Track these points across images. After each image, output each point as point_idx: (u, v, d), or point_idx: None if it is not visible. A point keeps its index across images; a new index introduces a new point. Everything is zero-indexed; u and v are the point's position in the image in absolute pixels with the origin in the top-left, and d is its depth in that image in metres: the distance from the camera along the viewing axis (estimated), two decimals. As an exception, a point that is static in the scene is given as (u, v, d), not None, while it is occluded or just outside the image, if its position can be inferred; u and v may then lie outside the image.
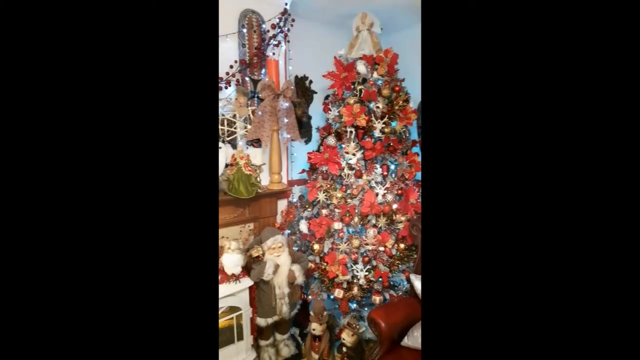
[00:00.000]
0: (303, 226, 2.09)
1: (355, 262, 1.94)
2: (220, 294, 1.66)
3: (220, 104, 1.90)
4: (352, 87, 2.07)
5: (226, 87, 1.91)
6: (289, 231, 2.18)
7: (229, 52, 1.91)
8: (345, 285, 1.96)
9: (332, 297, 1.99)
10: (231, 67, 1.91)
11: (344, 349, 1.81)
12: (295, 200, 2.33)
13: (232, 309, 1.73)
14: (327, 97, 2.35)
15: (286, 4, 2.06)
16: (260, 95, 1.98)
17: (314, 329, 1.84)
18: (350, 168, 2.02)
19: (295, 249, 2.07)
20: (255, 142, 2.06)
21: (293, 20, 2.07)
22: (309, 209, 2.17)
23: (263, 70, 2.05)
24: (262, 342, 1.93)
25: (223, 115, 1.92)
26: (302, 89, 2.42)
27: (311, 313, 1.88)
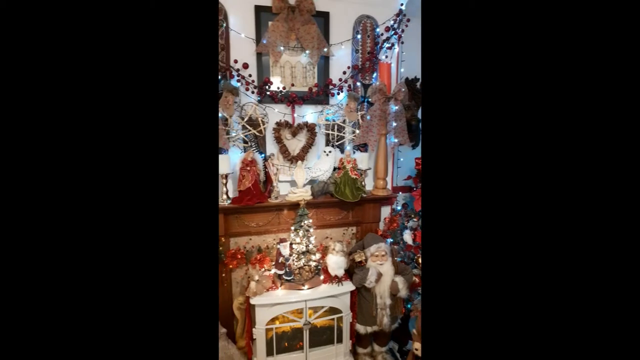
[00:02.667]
0: (407, 237, 1.97)
1: (469, 284, 1.70)
2: (323, 294, 1.71)
3: (331, 110, 1.98)
4: (474, 86, 1.84)
5: (338, 93, 1.97)
6: (391, 240, 2.09)
7: (342, 59, 1.97)
8: (455, 308, 1.74)
9: (438, 318, 1.81)
10: (344, 73, 1.96)
11: (451, 381, 1.61)
12: (399, 208, 2.22)
13: (333, 310, 1.76)
14: (440, 99, 2.16)
15: (402, 5, 1.99)
16: (370, 99, 1.97)
17: (416, 349, 1.70)
18: (468, 177, 1.80)
19: (399, 259, 1.97)
20: (362, 147, 2.06)
21: (408, 20, 1.98)
22: (415, 219, 2.04)
23: (375, 74, 2.03)
24: (360, 350, 1.91)
25: (334, 120, 1.99)
26: (413, 91, 2.30)
27: (413, 331, 1.75)
